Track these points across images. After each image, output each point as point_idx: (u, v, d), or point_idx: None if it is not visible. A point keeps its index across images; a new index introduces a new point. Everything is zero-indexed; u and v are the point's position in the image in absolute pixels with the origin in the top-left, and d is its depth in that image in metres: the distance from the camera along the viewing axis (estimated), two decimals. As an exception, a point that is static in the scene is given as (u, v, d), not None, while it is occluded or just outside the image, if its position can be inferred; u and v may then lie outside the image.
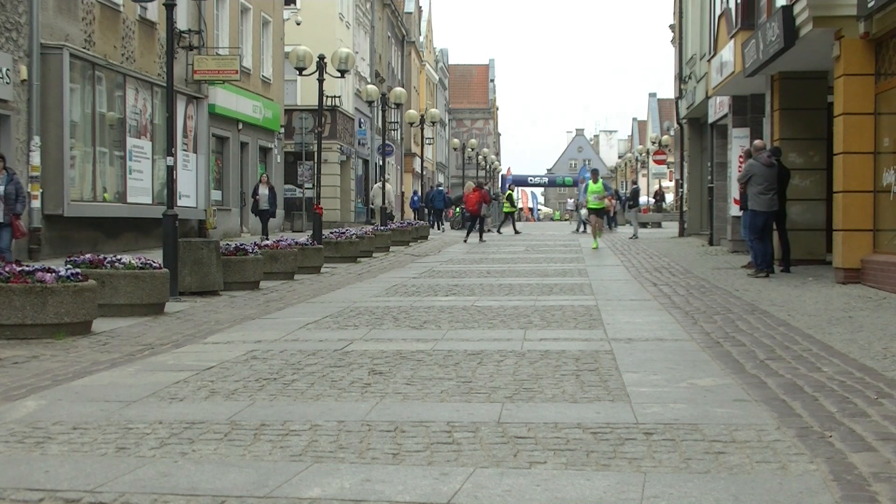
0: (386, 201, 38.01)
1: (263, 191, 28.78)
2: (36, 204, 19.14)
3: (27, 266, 9.70)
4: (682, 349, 8.40)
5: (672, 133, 49.25)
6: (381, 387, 6.73)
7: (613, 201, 42.85)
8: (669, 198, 65.75)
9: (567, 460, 4.80)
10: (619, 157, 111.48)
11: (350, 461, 4.83)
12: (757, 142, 17.09)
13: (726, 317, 10.58)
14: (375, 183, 43.22)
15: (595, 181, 27.36)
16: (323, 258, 19.17)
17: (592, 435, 5.27)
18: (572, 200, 55.53)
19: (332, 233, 22.49)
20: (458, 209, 47.08)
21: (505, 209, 42.02)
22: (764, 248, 15.78)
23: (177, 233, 13.42)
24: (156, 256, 12.70)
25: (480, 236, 31.75)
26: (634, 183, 57.48)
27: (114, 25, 22.73)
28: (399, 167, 60.50)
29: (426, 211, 45.90)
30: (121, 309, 11.08)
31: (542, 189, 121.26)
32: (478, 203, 31.92)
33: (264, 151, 34.99)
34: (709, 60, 25.34)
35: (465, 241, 31.34)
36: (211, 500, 4.24)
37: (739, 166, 17.32)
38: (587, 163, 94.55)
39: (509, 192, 43.63)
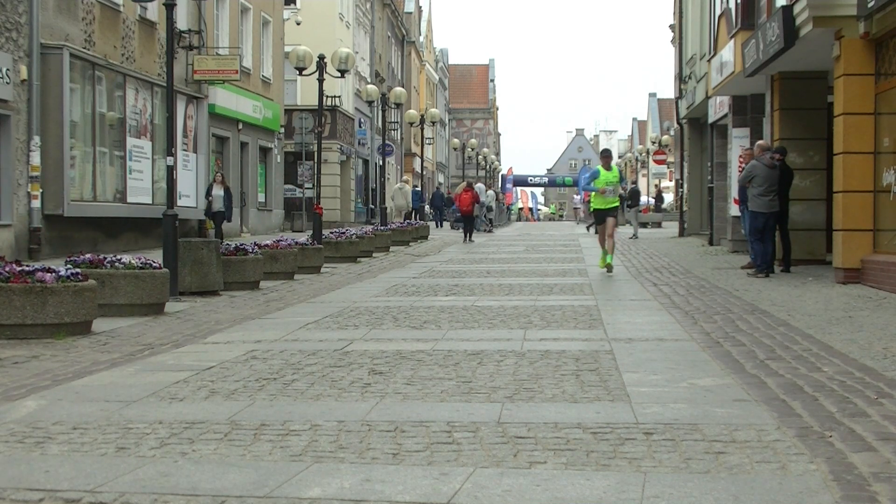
0: (406, 201, 38.39)
1: (218, 191, 25.62)
2: (36, 204, 19.15)
3: (27, 266, 9.69)
4: (682, 349, 8.39)
5: (672, 133, 49.27)
6: (381, 387, 6.72)
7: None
8: (669, 197, 65.75)
9: (567, 460, 4.80)
10: (619, 157, 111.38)
11: (350, 461, 4.83)
12: (760, 142, 17.09)
13: (726, 317, 10.58)
14: (396, 184, 43.80)
15: (608, 167, 17.69)
16: (323, 258, 19.17)
17: (592, 435, 5.27)
18: (578, 198, 55.09)
19: (332, 233, 22.50)
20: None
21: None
22: (764, 248, 15.78)
23: (177, 233, 13.42)
24: (156, 256, 12.70)
25: (469, 236, 31.83)
26: (634, 183, 57.42)
27: (114, 25, 22.73)
28: (399, 167, 60.51)
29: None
30: (121, 309, 11.08)
31: (542, 189, 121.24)
32: (471, 203, 32.05)
33: (264, 151, 35.00)
34: (709, 60, 25.35)
35: (464, 241, 31.45)
36: (211, 500, 4.23)
37: (740, 167, 17.31)
38: (587, 163, 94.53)
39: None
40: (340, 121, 43.52)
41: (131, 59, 23.54)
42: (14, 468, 4.74)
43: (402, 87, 53.18)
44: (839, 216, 14.67)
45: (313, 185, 28.61)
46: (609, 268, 16.91)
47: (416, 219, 38.71)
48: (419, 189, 50.37)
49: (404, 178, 44.17)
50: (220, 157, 30.74)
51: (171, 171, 14.52)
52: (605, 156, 18.20)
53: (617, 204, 17.95)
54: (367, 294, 14.03)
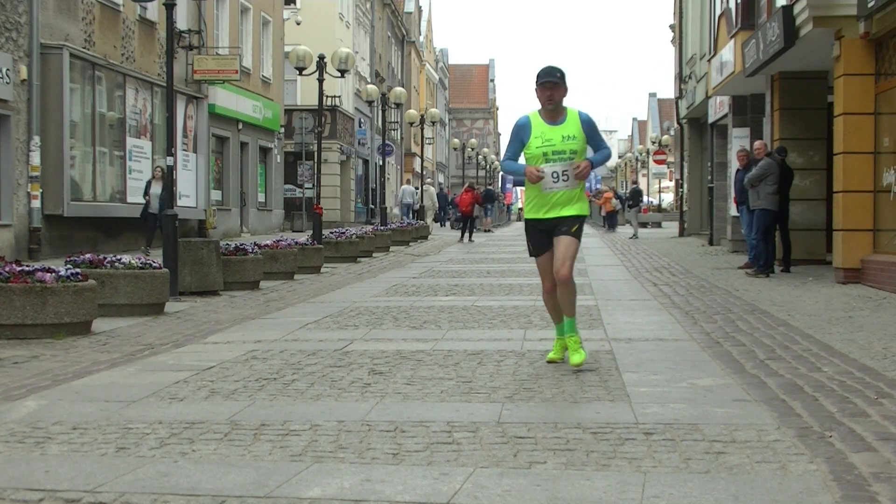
0: (432, 202, 38.81)
1: (156, 189, 21.35)
2: (36, 204, 19.15)
3: (27, 266, 9.69)
4: (682, 349, 8.39)
5: (672, 133, 49.30)
6: (381, 387, 6.72)
7: (613, 200, 42.74)
8: (668, 198, 65.79)
9: (567, 460, 4.80)
10: (620, 157, 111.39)
11: (350, 461, 4.83)
12: (758, 143, 17.09)
13: (726, 317, 10.57)
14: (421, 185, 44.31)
15: (554, 116, 7.24)
16: (323, 258, 19.17)
17: (592, 435, 5.27)
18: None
19: (332, 233, 22.50)
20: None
21: None
22: (767, 247, 15.80)
23: (177, 233, 13.42)
24: (156, 256, 12.69)
25: (470, 236, 31.91)
26: (634, 183, 57.46)
27: (114, 25, 22.73)
28: (399, 167, 60.50)
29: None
30: (121, 309, 11.07)
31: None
32: (470, 204, 32.20)
33: (264, 151, 35.01)
34: (709, 60, 25.35)
35: (461, 240, 31.57)
36: (211, 500, 4.23)
37: (739, 166, 17.29)
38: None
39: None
40: (340, 121, 43.53)
41: (131, 59, 23.54)
42: (14, 468, 4.73)
43: (402, 87, 53.19)
44: (839, 216, 14.67)
45: (313, 185, 28.61)
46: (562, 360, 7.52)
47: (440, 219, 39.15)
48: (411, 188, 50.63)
49: (428, 179, 44.91)
50: (219, 157, 30.77)
51: (171, 171, 14.55)
52: (547, 82, 7.25)
53: (579, 211, 7.34)
54: (367, 294, 14.03)
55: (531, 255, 7.60)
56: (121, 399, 6.39)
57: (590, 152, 7.41)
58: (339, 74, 26.47)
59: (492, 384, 6.76)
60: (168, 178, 14.62)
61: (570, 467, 4.68)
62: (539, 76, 7.29)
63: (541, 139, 7.22)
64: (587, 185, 46.26)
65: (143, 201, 21.85)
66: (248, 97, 31.99)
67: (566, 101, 7.37)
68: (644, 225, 44.47)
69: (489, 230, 42.23)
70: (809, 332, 9.14)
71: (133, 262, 11.46)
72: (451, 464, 4.76)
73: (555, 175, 7.21)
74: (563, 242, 7.28)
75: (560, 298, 7.39)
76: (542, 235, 7.41)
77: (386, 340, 9.08)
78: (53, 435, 5.40)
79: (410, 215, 42.38)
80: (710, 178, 28.15)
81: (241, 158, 32.23)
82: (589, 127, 7.33)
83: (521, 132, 7.31)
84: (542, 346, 8.58)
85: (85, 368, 7.69)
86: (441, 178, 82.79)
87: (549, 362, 7.52)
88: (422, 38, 75.74)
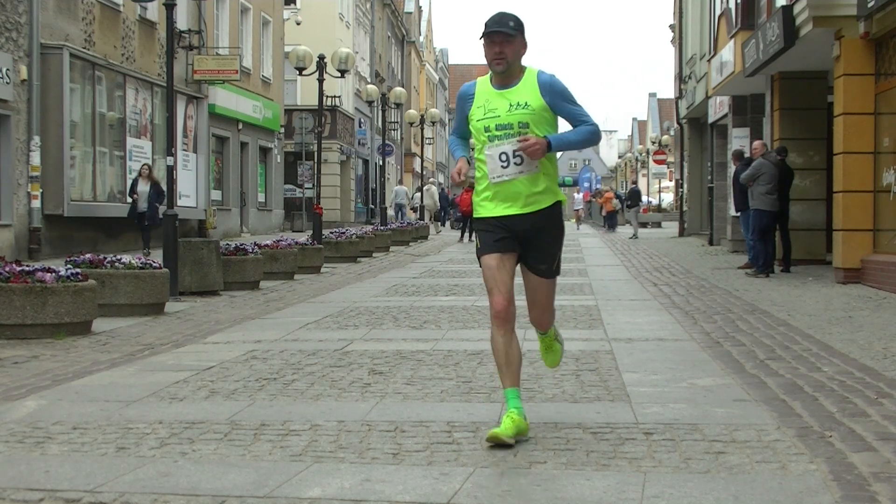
0: (433, 201, 38.92)
1: (143, 187, 20.59)
2: (36, 204, 19.15)
3: (27, 266, 9.69)
4: (682, 349, 8.39)
5: (672, 133, 49.32)
6: (381, 387, 6.72)
7: (614, 200, 42.82)
8: (668, 198, 65.79)
9: (567, 460, 4.79)
10: (619, 157, 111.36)
11: (350, 461, 4.82)
12: (756, 143, 17.10)
13: (726, 317, 10.57)
14: (423, 185, 44.53)
15: (504, 80, 5.24)
16: (323, 258, 19.18)
17: (592, 435, 5.27)
18: (579, 196, 54.79)
19: (332, 233, 22.51)
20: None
21: None
22: (765, 248, 15.80)
23: (177, 233, 13.42)
24: (156, 256, 12.70)
25: (470, 236, 31.94)
26: (634, 183, 57.45)
27: (114, 25, 22.74)
28: (399, 167, 60.50)
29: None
30: (121, 309, 11.07)
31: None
32: (470, 204, 32.21)
33: (264, 151, 35.02)
34: (709, 60, 25.36)
35: (460, 240, 31.60)
36: (211, 500, 4.23)
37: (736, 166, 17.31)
38: (587, 162, 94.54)
39: None
40: (340, 121, 43.53)
41: (131, 59, 23.54)
42: (14, 468, 4.73)
43: (402, 87, 53.19)
44: (839, 216, 14.67)
45: (313, 185, 28.62)
46: (498, 440, 4.97)
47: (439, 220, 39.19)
48: (405, 189, 50.71)
49: (431, 179, 44.95)
50: (219, 157, 30.78)
51: (171, 171, 14.55)
52: (495, 32, 5.15)
53: (554, 199, 5.55)
54: (367, 294, 14.03)
55: (482, 263, 5.63)
56: (121, 399, 6.39)
57: (566, 130, 5.40)
58: (339, 74, 26.50)
59: (492, 384, 6.75)
60: (169, 176, 14.60)
61: (570, 467, 4.68)
62: (486, 26, 5.17)
63: (483, 109, 5.32)
64: (586, 184, 46.80)
65: (130, 200, 20.91)
66: (248, 97, 31.99)
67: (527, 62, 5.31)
68: (644, 225, 44.47)
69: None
70: (809, 332, 9.14)
71: (133, 262, 11.45)
72: (451, 464, 4.75)
73: (503, 157, 5.31)
74: (540, 287, 5.66)
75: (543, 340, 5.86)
76: (501, 230, 5.48)
77: (386, 340, 9.07)
78: (53, 435, 5.40)
79: (403, 216, 42.46)
80: (710, 178, 28.17)
81: (241, 158, 32.24)
82: (552, 92, 5.23)
83: (463, 102, 5.48)
84: (542, 346, 8.58)
85: (85, 368, 7.69)
86: (441, 179, 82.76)
87: (489, 440, 4.99)
88: (422, 38, 75.74)
